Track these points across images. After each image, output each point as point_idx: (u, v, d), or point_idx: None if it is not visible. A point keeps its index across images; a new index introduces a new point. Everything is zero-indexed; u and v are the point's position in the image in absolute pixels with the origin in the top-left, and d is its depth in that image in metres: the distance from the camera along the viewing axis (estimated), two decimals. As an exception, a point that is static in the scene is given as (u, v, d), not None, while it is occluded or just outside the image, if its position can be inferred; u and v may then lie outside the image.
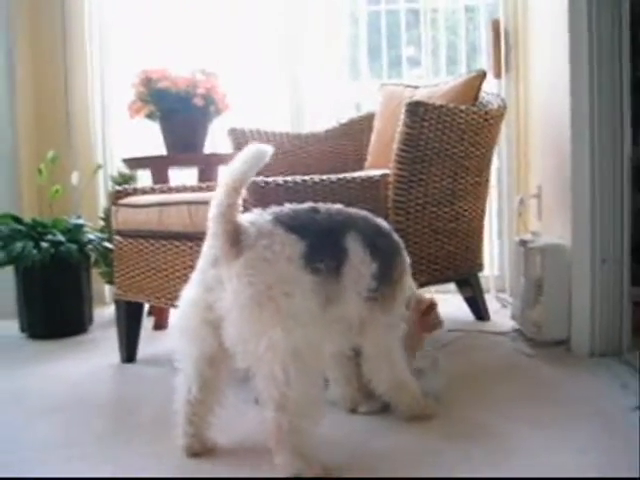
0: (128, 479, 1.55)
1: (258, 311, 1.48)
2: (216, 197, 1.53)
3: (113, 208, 2.64)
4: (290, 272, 1.52)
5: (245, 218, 1.58)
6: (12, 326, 3.41)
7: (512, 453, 1.66)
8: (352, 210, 1.81)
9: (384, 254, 1.77)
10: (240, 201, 1.55)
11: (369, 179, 2.38)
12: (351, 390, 1.94)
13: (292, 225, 1.57)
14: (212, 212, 1.54)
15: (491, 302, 3.36)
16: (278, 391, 1.44)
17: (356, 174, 2.45)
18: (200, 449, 1.68)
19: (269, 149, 1.55)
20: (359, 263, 1.68)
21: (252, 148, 1.54)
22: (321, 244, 1.59)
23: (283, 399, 1.44)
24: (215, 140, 3.73)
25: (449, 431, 1.81)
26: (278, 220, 1.58)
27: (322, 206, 1.72)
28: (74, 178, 3.53)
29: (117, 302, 2.67)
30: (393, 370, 1.82)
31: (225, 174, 1.53)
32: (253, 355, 1.47)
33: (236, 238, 1.52)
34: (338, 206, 1.78)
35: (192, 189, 2.78)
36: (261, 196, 2.05)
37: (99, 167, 3.71)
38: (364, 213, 1.84)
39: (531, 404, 2.00)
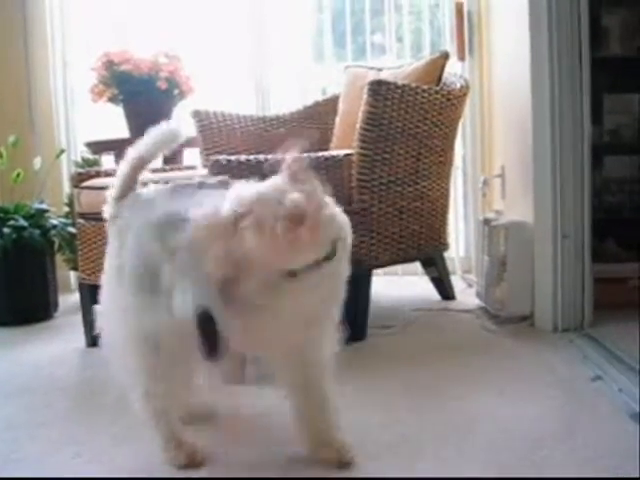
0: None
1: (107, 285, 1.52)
2: (120, 169, 1.56)
3: (75, 191, 2.62)
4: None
5: (144, 189, 1.58)
6: (-25, 314, 3.35)
7: (476, 420, 1.69)
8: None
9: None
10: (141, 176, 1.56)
11: (332, 158, 2.39)
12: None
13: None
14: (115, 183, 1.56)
15: (457, 282, 3.39)
16: None
17: (320, 153, 2.45)
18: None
19: (180, 131, 1.58)
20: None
21: (163, 128, 1.56)
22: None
23: None
24: (180, 124, 3.69)
25: (412, 401, 1.83)
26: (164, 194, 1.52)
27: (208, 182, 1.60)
28: (36, 163, 3.47)
29: (81, 286, 2.65)
30: None
31: (132, 150, 1.56)
32: None
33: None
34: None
35: (155, 171, 2.75)
36: (225, 175, 2.05)
37: (62, 152, 3.65)
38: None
39: (495, 375, 2.04)
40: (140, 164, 1.55)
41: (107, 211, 1.57)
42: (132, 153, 1.56)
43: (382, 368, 2.12)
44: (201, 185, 1.57)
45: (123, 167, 1.57)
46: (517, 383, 1.96)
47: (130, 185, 1.55)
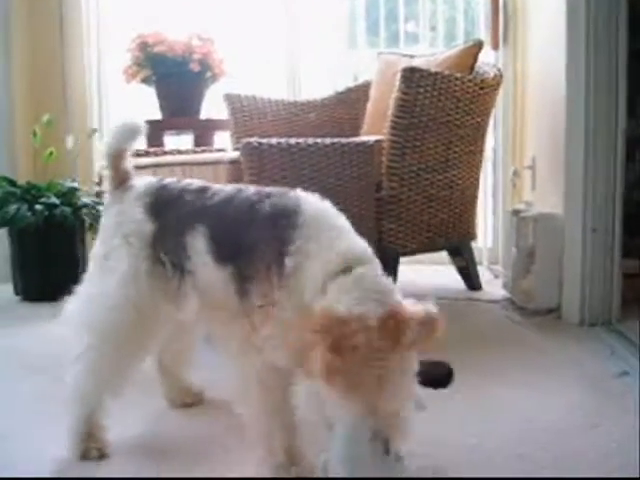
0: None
1: (91, 274, 1.53)
2: (104, 159, 1.59)
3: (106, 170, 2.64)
4: (124, 251, 1.48)
5: (138, 180, 1.58)
6: (6, 289, 3.42)
7: (499, 410, 1.69)
8: (240, 197, 1.40)
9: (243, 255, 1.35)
10: (124, 165, 1.57)
11: (363, 144, 2.39)
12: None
13: (156, 202, 1.50)
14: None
15: (484, 273, 3.38)
16: None
17: (350, 139, 2.45)
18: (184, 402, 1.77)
19: (137, 124, 1.58)
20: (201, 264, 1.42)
21: (123, 123, 1.58)
22: (170, 234, 1.46)
23: None
24: (211, 106, 3.71)
25: (438, 395, 1.83)
26: (149, 192, 1.52)
27: (213, 187, 1.49)
28: (69, 142, 3.52)
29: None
30: None
31: (104, 149, 1.60)
32: None
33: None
34: (234, 188, 1.46)
35: (186, 153, 2.77)
36: (257, 157, 2.06)
37: (94, 131, 3.69)
38: (254, 199, 1.38)
39: (521, 368, 2.03)
40: (115, 158, 1.57)
41: (105, 201, 1.62)
42: (105, 150, 1.59)
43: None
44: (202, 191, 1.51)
45: (105, 162, 1.60)
46: (542, 375, 1.95)
47: (121, 176, 1.57)
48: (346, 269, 1.19)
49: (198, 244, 1.39)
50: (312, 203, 1.31)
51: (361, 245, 1.26)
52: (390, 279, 1.22)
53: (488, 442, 1.50)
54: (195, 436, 1.60)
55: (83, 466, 1.44)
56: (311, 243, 1.24)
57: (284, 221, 1.28)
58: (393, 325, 1.09)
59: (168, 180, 1.55)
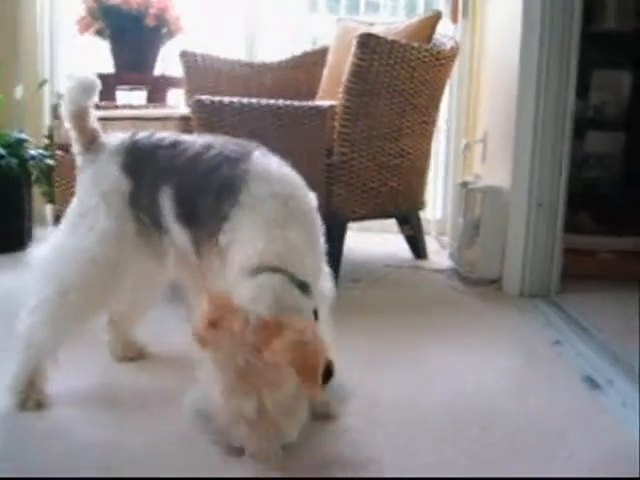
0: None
1: (67, 229, 1.51)
2: (67, 121, 1.56)
3: (56, 121, 2.60)
4: (103, 210, 1.48)
5: (108, 138, 1.57)
6: (-51, 240, 3.34)
7: (440, 374, 1.74)
8: (204, 157, 1.41)
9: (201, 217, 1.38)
10: (89, 124, 1.55)
11: (316, 108, 2.39)
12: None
13: (131, 160, 1.50)
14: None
15: (431, 244, 3.43)
16: None
17: (304, 103, 2.45)
18: (127, 355, 1.77)
19: (91, 79, 1.55)
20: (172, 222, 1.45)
21: (75, 82, 1.54)
22: (145, 193, 1.47)
23: None
24: (166, 63, 3.65)
25: (376, 351, 1.87)
26: (124, 149, 1.52)
27: (185, 141, 1.48)
28: (18, 91, 3.43)
29: (57, 218, 2.64)
30: None
31: (64, 106, 1.56)
32: None
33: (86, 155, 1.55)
34: (203, 144, 1.45)
35: (138, 108, 2.74)
36: (207, 115, 2.05)
37: (44, 82, 3.60)
38: (224, 154, 1.40)
39: (459, 333, 2.09)
40: (77, 119, 1.55)
41: (77, 162, 1.59)
42: (65, 110, 1.56)
43: (348, 320, 2.14)
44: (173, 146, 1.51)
45: (68, 123, 1.57)
46: (478, 341, 2.01)
47: (89, 136, 1.55)
48: (257, 270, 1.22)
49: (167, 204, 1.41)
50: (260, 179, 1.31)
51: (287, 244, 1.25)
52: (296, 293, 1.22)
53: (421, 403, 1.55)
54: (135, 388, 1.61)
55: (20, 415, 1.43)
56: (241, 227, 1.27)
57: (227, 195, 1.31)
58: (269, 331, 1.13)
59: (140, 135, 1.53)
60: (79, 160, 1.57)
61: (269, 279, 1.21)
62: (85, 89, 1.53)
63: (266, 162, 1.36)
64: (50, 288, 1.46)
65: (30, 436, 1.34)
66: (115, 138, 1.55)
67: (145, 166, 1.46)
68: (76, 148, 1.57)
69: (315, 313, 1.28)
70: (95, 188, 1.49)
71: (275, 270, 1.22)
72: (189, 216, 1.39)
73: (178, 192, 1.40)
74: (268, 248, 1.23)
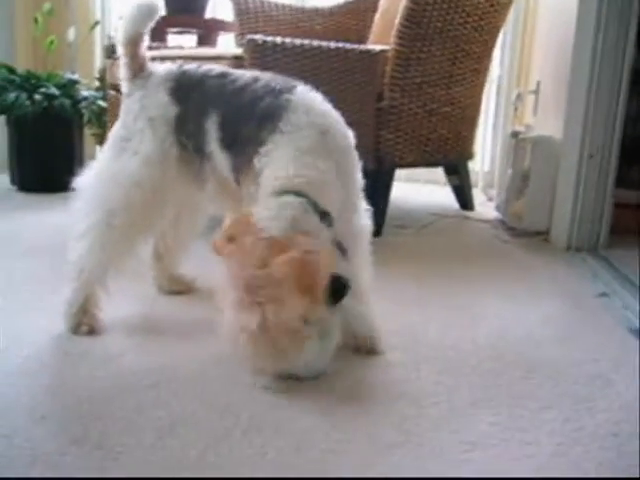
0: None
1: (110, 154, 1.54)
2: (120, 46, 1.58)
3: (109, 62, 2.62)
4: (149, 134, 1.51)
5: (156, 66, 1.59)
6: (2, 179, 3.44)
7: (479, 317, 1.74)
8: (251, 88, 1.43)
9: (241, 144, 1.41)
10: (141, 51, 1.57)
11: (367, 52, 2.36)
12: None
13: (179, 86, 1.52)
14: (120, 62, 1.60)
15: (478, 195, 3.40)
16: None
17: (354, 46, 2.42)
18: (172, 289, 1.83)
19: (153, 3, 1.55)
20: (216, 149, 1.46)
21: (136, 4, 1.55)
22: (191, 118, 1.49)
23: None
24: (217, 7, 3.65)
25: (421, 296, 1.88)
26: (173, 76, 1.54)
27: (233, 72, 1.51)
28: (70, 34, 3.46)
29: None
30: None
31: (121, 30, 1.58)
32: None
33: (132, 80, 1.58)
34: (251, 76, 1.48)
35: (189, 49, 2.74)
36: (260, 55, 2.05)
37: (96, 23, 3.63)
38: (270, 87, 1.41)
39: (503, 281, 2.08)
40: (132, 44, 1.56)
41: (123, 89, 1.61)
42: (121, 35, 1.57)
43: (394, 265, 2.17)
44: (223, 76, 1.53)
45: (120, 49, 1.59)
46: (523, 289, 2.00)
47: (139, 63, 1.57)
48: (282, 192, 1.25)
49: (211, 129, 1.44)
50: (300, 109, 1.33)
51: (316, 173, 1.28)
52: (315, 219, 1.25)
53: (465, 344, 1.56)
54: (179, 319, 1.65)
55: (74, 339, 1.49)
56: (276, 152, 1.30)
57: (268, 122, 1.34)
58: (277, 248, 1.17)
59: (188, 66, 1.56)
60: (125, 86, 1.60)
61: (290, 201, 1.24)
62: (145, 11, 1.55)
63: (309, 95, 1.38)
64: (97, 213, 1.50)
65: (84, 359, 1.39)
66: (164, 67, 1.58)
67: (193, 92, 1.48)
68: (124, 74, 1.59)
69: (339, 245, 1.29)
70: (142, 112, 1.52)
71: (298, 194, 1.25)
72: (231, 141, 1.41)
73: (223, 118, 1.42)
74: (297, 173, 1.26)
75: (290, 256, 1.15)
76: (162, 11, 3.29)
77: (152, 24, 1.57)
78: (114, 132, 1.57)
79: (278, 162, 1.28)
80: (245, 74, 1.49)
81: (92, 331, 1.52)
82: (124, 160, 1.51)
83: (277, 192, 1.25)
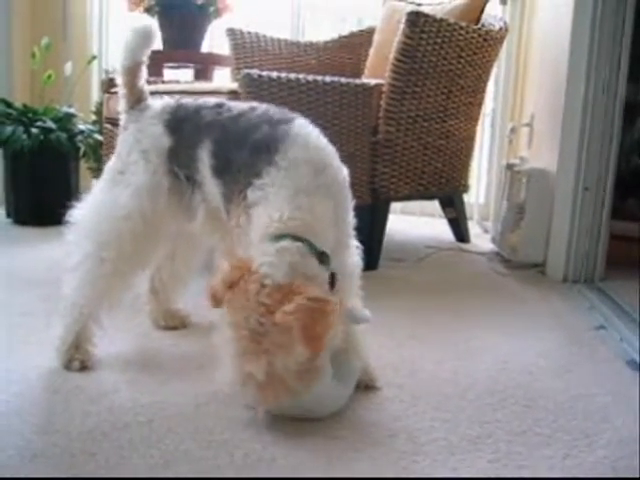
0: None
1: (104, 186, 1.55)
2: (119, 82, 1.60)
3: (106, 96, 2.63)
4: (142, 166, 1.52)
5: (155, 101, 1.60)
6: (-1, 212, 3.44)
7: (476, 351, 1.73)
8: (247, 117, 1.43)
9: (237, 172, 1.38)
10: (139, 83, 1.59)
11: (362, 85, 2.38)
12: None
13: (175, 117, 1.53)
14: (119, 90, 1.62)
15: (473, 228, 3.41)
16: None
17: (350, 80, 2.44)
18: (169, 324, 1.81)
19: (150, 27, 1.58)
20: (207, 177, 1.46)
21: (134, 28, 1.57)
22: (184, 148, 1.50)
23: None
24: (213, 42, 3.68)
25: (416, 330, 1.87)
26: (169, 109, 1.55)
27: (230, 103, 1.51)
28: (67, 68, 3.48)
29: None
30: None
31: (119, 62, 1.59)
32: None
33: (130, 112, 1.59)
34: (247, 106, 1.48)
35: (186, 84, 2.76)
36: (255, 89, 2.06)
37: (93, 58, 3.65)
38: (265, 117, 1.41)
39: (501, 314, 2.07)
40: (130, 74, 1.58)
41: (121, 121, 1.62)
42: (120, 64, 1.59)
43: (390, 298, 2.16)
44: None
45: (119, 80, 1.60)
46: (521, 323, 1.99)
47: (137, 95, 1.59)
48: (279, 237, 1.22)
49: (204, 156, 1.43)
50: (298, 143, 1.31)
51: (313, 214, 1.25)
52: (314, 262, 1.23)
53: (462, 378, 1.54)
54: (173, 355, 1.63)
55: (66, 375, 1.47)
56: (271, 188, 1.27)
57: (264, 153, 1.31)
58: (282, 295, 1.15)
59: (185, 100, 1.57)
60: (123, 118, 1.60)
61: (289, 246, 1.21)
62: (140, 37, 1.56)
63: (307, 129, 1.37)
64: (87, 245, 1.50)
65: (77, 395, 1.37)
66: (161, 100, 1.59)
67: (188, 122, 1.49)
68: (122, 106, 1.60)
69: (331, 281, 1.27)
70: (136, 145, 1.53)
71: (296, 238, 1.22)
72: (223, 169, 1.40)
73: (217, 145, 1.42)
74: (293, 215, 1.24)
75: (297, 303, 1.13)
76: (159, 43, 3.34)
77: (149, 51, 1.59)
78: (110, 165, 1.58)
79: (274, 202, 1.25)
80: (241, 104, 1.49)
81: (84, 367, 1.50)
82: (116, 192, 1.51)
83: (274, 236, 1.23)
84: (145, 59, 1.59)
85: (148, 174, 1.50)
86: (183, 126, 1.49)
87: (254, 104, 1.48)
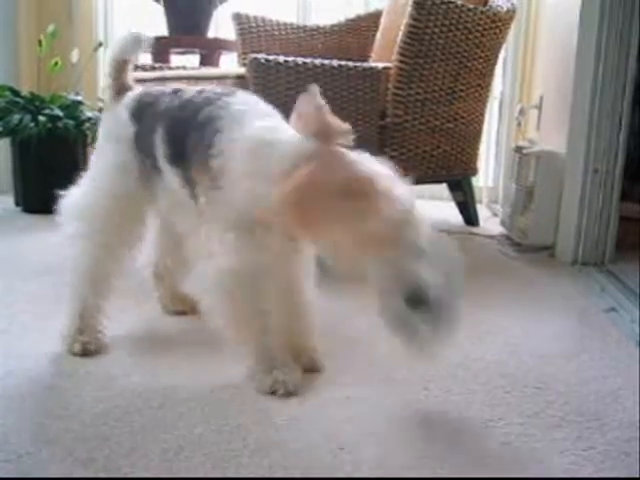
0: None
1: (86, 175, 1.60)
2: (107, 72, 1.63)
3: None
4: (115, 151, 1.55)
5: (138, 89, 1.62)
6: (7, 200, 3.45)
7: (491, 336, 1.72)
8: (195, 100, 1.45)
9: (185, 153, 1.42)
10: (124, 75, 1.60)
11: (370, 69, 2.36)
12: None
13: (137, 105, 1.55)
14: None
15: (482, 211, 3.40)
16: None
17: (357, 64, 2.42)
18: (178, 309, 1.82)
19: (140, 37, 1.60)
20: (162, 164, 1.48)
21: (126, 35, 1.60)
22: (144, 136, 1.52)
23: None
24: (219, 27, 3.66)
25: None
26: (135, 97, 1.57)
27: (185, 91, 1.52)
28: (74, 55, 3.48)
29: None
30: None
31: (109, 53, 1.62)
32: None
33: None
34: (196, 91, 1.49)
35: (193, 69, 2.75)
36: (263, 74, 2.05)
37: (100, 45, 3.65)
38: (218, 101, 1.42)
39: (510, 298, 2.07)
40: (117, 68, 1.60)
41: (104, 109, 1.65)
42: (108, 57, 1.62)
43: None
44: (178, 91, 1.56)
45: (106, 70, 1.64)
46: (530, 305, 1.99)
47: (119, 87, 1.60)
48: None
49: (159, 145, 1.46)
50: (236, 108, 1.37)
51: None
52: None
53: (472, 362, 1.54)
54: (184, 340, 1.64)
55: (78, 360, 1.48)
56: (231, 143, 1.31)
57: (210, 126, 1.35)
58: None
59: (156, 87, 1.58)
60: (105, 107, 1.64)
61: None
62: (132, 42, 1.59)
63: (247, 97, 1.42)
64: (77, 225, 1.54)
65: (88, 380, 1.38)
66: (136, 89, 1.61)
67: (148, 110, 1.51)
68: (107, 95, 1.63)
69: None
70: (111, 133, 1.57)
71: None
72: (178, 157, 1.43)
73: (168, 133, 1.44)
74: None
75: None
76: (165, 31, 3.33)
77: (137, 57, 1.64)
78: (93, 154, 1.63)
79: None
80: (191, 90, 1.50)
81: (87, 352, 1.51)
82: (97, 177, 1.56)
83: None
84: (133, 59, 1.63)
85: (119, 156, 1.53)
86: (144, 114, 1.52)
87: (203, 89, 1.49)
